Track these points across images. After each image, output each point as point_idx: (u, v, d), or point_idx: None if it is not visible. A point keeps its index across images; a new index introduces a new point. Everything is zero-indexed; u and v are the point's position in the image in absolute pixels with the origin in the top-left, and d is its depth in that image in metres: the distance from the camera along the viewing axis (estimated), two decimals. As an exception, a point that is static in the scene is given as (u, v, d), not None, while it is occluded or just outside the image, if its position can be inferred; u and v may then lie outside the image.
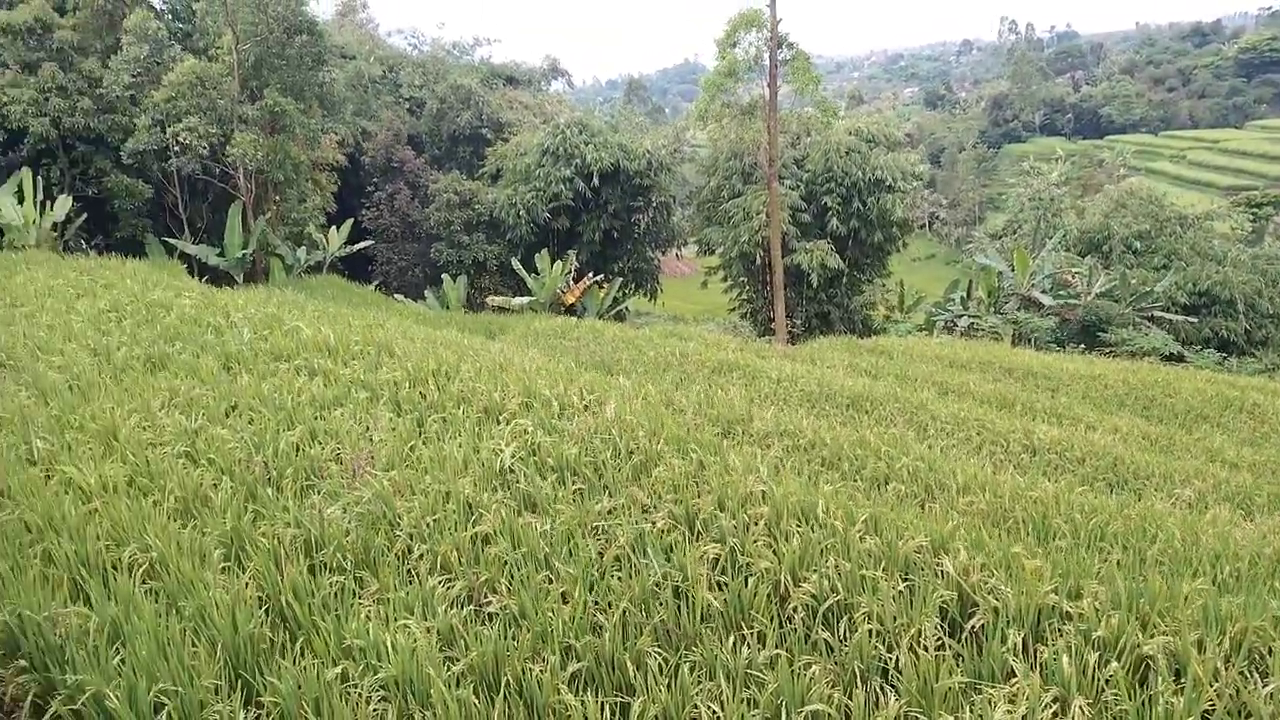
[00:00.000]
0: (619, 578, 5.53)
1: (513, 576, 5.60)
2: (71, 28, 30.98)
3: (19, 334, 11.38)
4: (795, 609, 5.21)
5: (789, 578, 5.38)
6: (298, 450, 7.51)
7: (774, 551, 5.63)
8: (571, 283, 32.41)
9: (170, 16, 35.61)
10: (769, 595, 5.30)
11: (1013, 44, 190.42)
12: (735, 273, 37.56)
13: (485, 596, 5.48)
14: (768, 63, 27.27)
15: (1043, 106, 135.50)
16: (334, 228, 33.89)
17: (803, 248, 33.42)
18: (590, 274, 34.03)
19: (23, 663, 5.24)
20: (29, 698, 5.15)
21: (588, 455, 7.04)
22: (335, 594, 5.54)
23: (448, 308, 31.60)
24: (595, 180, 36.24)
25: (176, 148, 29.38)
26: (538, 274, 31.73)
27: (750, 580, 5.39)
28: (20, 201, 27.16)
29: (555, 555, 5.77)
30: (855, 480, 8.36)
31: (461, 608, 5.36)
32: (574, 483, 6.71)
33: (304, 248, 32.26)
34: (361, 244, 35.18)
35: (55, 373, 9.69)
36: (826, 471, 8.46)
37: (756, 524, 5.95)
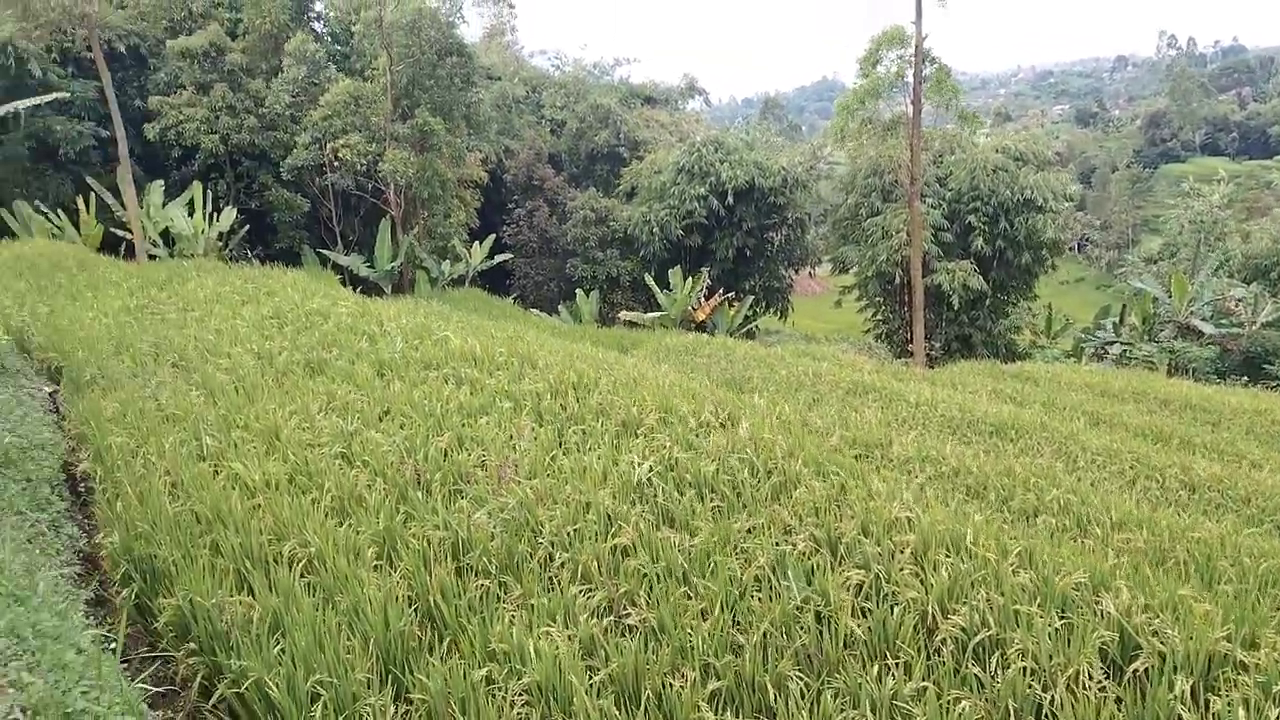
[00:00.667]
0: (759, 599, 5.47)
1: (651, 590, 5.62)
2: (241, 51, 33.22)
3: (190, 337, 12.19)
4: (943, 641, 5.03)
5: (937, 609, 5.20)
6: (446, 456, 7.75)
7: (921, 581, 5.46)
8: (703, 299, 32.45)
9: (329, 39, 37.70)
10: (915, 626, 5.14)
11: (1172, 59, 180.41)
12: (871, 292, 36.80)
13: (624, 608, 5.52)
14: (911, 80, 26.67)
15: (1204, 125, 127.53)
16: (476, 242, 35.03)
17: (944, 268, 32.44)
18: (721, 291, 34.01)
19: (192, 645, 5.58)
20: (197, 679, 5.47)
21: (725, 473, 7.01)
22: (481, 597, 5.69)
23: (581, 322, 32.14)
24: (729, 198, 36.23)
25: (334, 163, 31.02)
26: (669, 290, 31.91)
27: (896, 609, 5.24)
28: (191, 213, 29.24)
29: (694, 572, 5.76)
30: (1002, 511, 8.03)
31: (601, 618, 5.41)
32: (712, 500, 6.69)
33: (448, 261, 33.48)
34: (501, 258, 36.22)
35: (222, 374, 10.33)
36: (972, 501, 8.16)
37: (902, 552, 5.79)
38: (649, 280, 33.23)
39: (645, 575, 5.75)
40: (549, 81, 50.67)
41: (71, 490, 8.35)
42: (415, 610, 5.63)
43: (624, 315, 31.86)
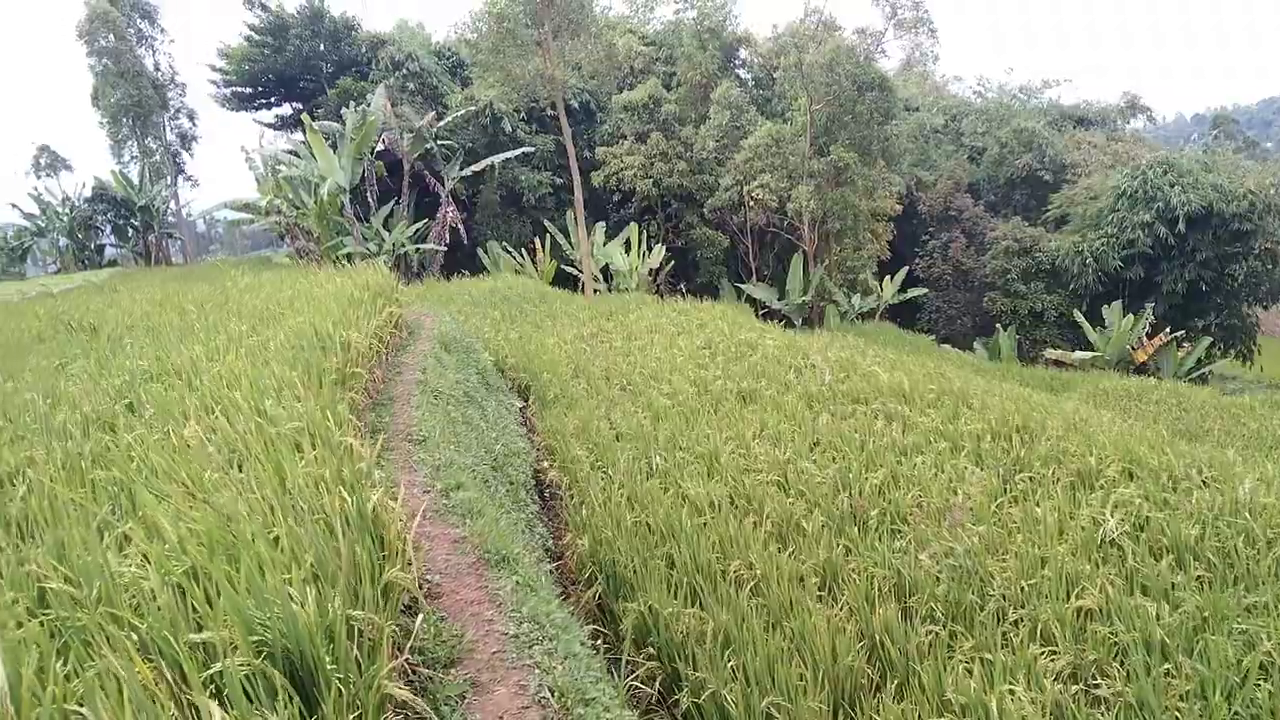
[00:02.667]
0: (1268, 689, 4.69)
1: (1124, 662, 5.06)
2: (674, 101, 36.00)
3: (634, 364, 13.32)
4: None
5: None
6: (880, 493, 7.66)
7: None
8: (1144, 339, 29.02)
9: (752, 84, 39.55)
10: None
11: None
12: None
13: (1094, 677, 5.02)
14: None
15: None
16: (887, 276, 34.57)
17: None
18: (1167, 330, 30.17)
19: (650, 650, 6.01)
20: (656, 683, 5.88)
21: (1214, 539, 6.13)
22: (929, 643, 5.50)
23: (999, 359, 30.30)
24: (1180, 225, 32.10)
25: (750, 202, 32.44)
26: (1104, 328, 28.99)
27: None
28: (627, 251, 32.22)
29: (1178, 647, 5.09)
30: None
31: (1067, 684, 4.97)
32: (1196, 568, 5.89)
33: (858, 294, 33.42)
34: (914, 291, 35.37)
35: (664, 399, 11.13)
36: None
37: None
38: (1079, 316, 30.49)
39: (1117, 645, 5.19)
40: (969, 109, 48.74)
41: (539, 494, 9.45)
42: (861, 646, 5.58)
43: (1050, 354, 29.50)
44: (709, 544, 6.93)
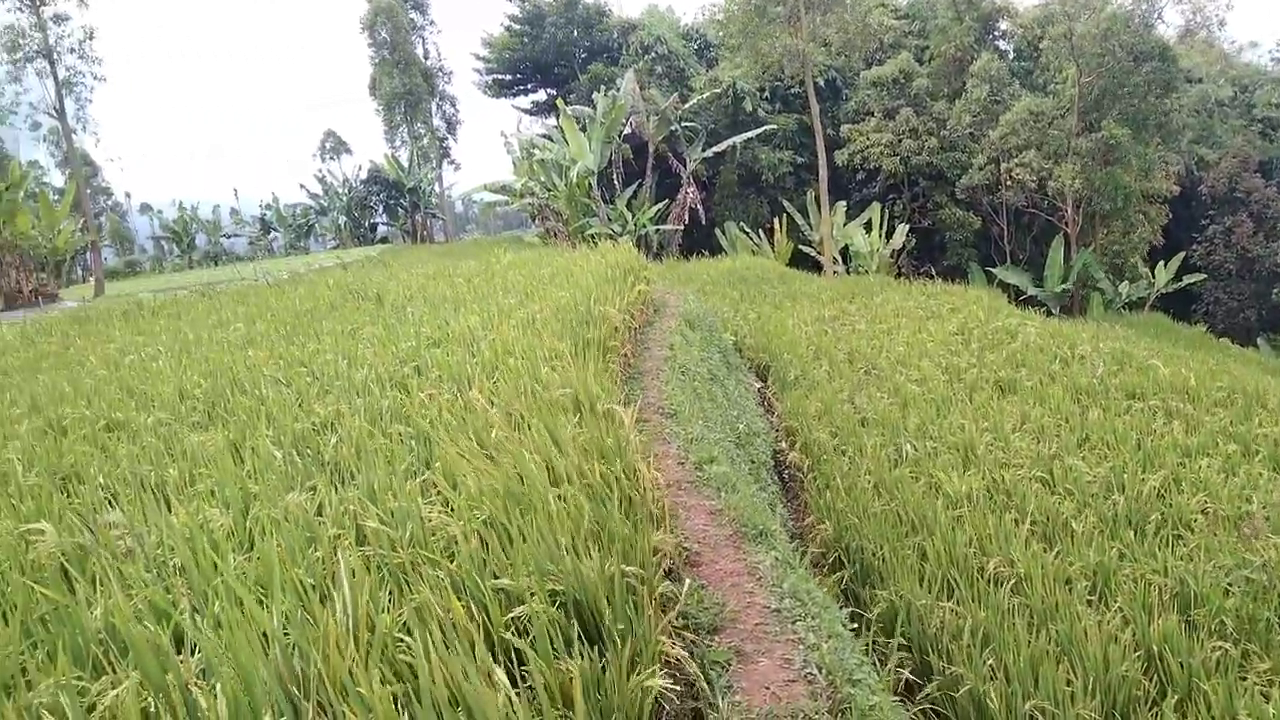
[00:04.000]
0: None
1: None
2: (926, 76, 34.51)
3: (879, 348, 12.96)
4: None
5: None
6: (1160, 495, 7.04)
7: None
8: None
9: (1012, 56, 37.18)
10: None
11: None
12: None
13: None
14: None
15: None
16: (1160, 262, 31.55)
17: None
18: None
19: (901, 640, 5.85)
20: (905, 673, 5.72)
21: None
22: (1216, 660, 5.01)
23: (1292, 358, 26.97)
24: None
25: (1007, 181, 30.58)
26: None
27: None
28: (868, 231, 31.36)
29: None
30: None
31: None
32: None
33: (1125, 281, 30.74)
34: (1192, 279, 32.05)
35: (913, 385, 10.77)
36: None
37: None
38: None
39: None
40: (1264, 78, 43.41)
41: (778, 475, 9.42)
42: (1137, 657, 5.17)
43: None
44: (965, 538, 6.65)
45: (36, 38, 29.66)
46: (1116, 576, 5.94)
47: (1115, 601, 5.70)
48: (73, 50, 30.51)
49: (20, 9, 29.44)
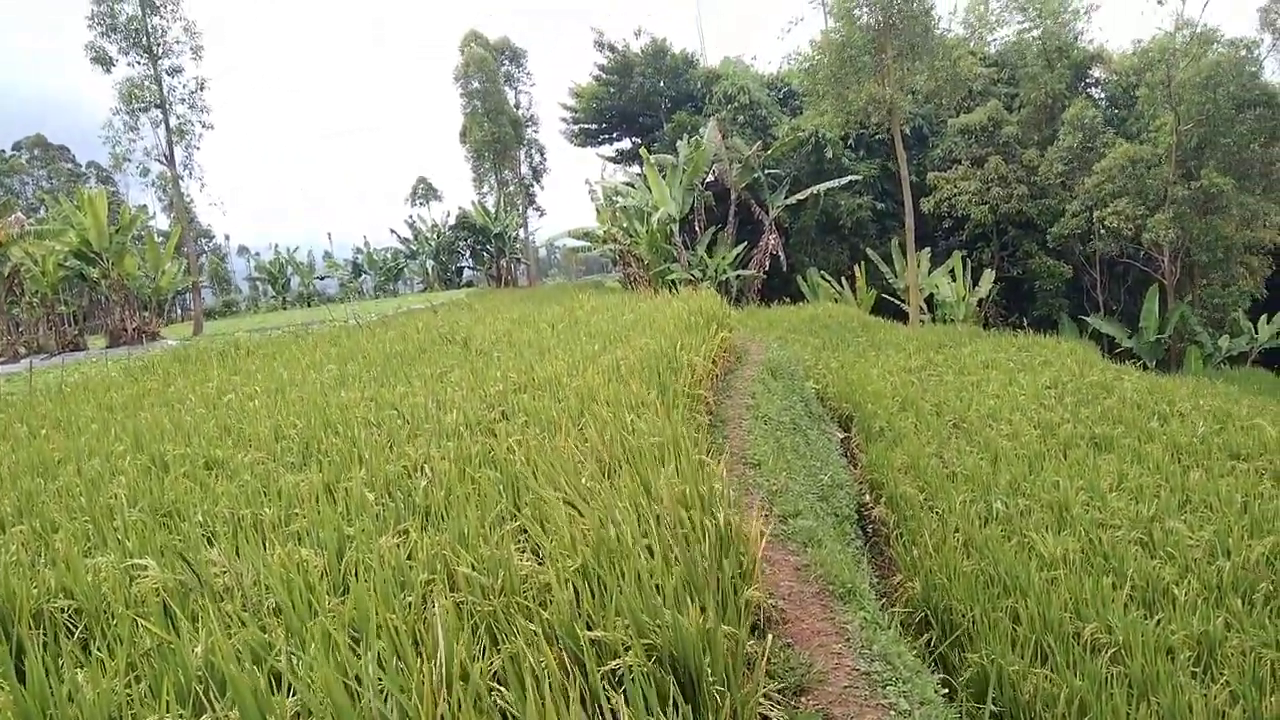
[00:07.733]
0: None
1: None
2: (1015, 123, 33.99)
3: (969, 401, 12.67)
4: None
5: None
6: (1269, 562, 6.69)
7: None
8: None
9: (1105, 103, 36.42)
10: None
11: None
12: None
13: None
14: None
15: None
16: (1263, 315, 30.23)
17: None
18: None
19: (993, 708, 5.64)
20: (997, 741, 5.51)
21: None
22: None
23: None
24: None
25: (1100, 230, 29.80)
26: None
27: None
28: (953, 280, 30.83)
29: None
30: None
31: None
32: None
33: (1225, 335, 29.50)
34: (1297, 335, 30.58)
35: (1004, 440, 10.48)
36: None
37: None
38: None
39: None
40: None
41: (862, 529, 9.22)
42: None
43: None
44: (1059, 601, 6.41)
45: (153, 89, 31.41)
46: (1223, 648, 5.65)
47: (1222, 674, 5.41)
48: (184, 100, 32.29)
49: (139, 62, 31.29)
